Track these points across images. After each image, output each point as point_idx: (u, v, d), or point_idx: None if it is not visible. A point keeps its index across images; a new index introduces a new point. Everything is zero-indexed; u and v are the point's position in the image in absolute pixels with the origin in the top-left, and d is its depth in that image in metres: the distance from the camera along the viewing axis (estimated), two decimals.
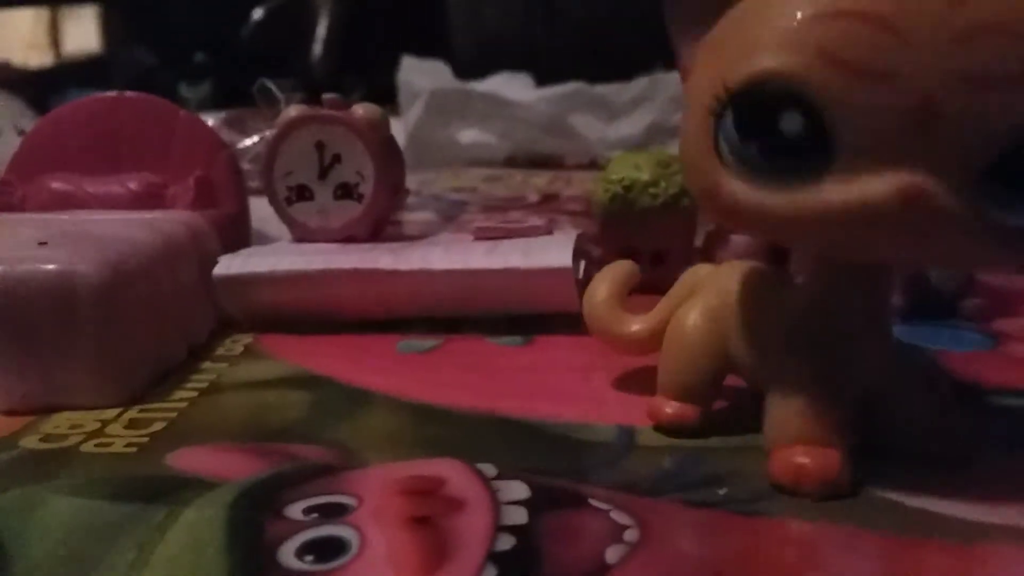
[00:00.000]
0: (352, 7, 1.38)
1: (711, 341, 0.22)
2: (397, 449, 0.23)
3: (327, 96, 0.36)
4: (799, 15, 0.16)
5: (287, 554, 0.18)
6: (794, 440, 0.20)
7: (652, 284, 0.36)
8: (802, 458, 0.19)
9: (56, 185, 0.36)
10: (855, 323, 0.20)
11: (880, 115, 0.16)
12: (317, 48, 1.37)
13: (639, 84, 0.78)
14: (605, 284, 0.26)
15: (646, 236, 0.36)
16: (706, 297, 0.23)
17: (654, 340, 0.24)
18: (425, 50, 0.88)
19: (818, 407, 0.20)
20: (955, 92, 0.15)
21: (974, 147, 0.15)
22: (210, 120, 0.54)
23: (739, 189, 0.17)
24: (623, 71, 0.81)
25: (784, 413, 0.20)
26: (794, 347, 0.20)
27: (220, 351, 0.31)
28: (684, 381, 0.23)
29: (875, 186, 0.16)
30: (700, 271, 0.25)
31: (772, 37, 0.16)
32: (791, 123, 0.16)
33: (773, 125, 0.16)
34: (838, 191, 0.16)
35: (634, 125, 0.77)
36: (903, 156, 0.16)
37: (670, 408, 0.23)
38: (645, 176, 0.35)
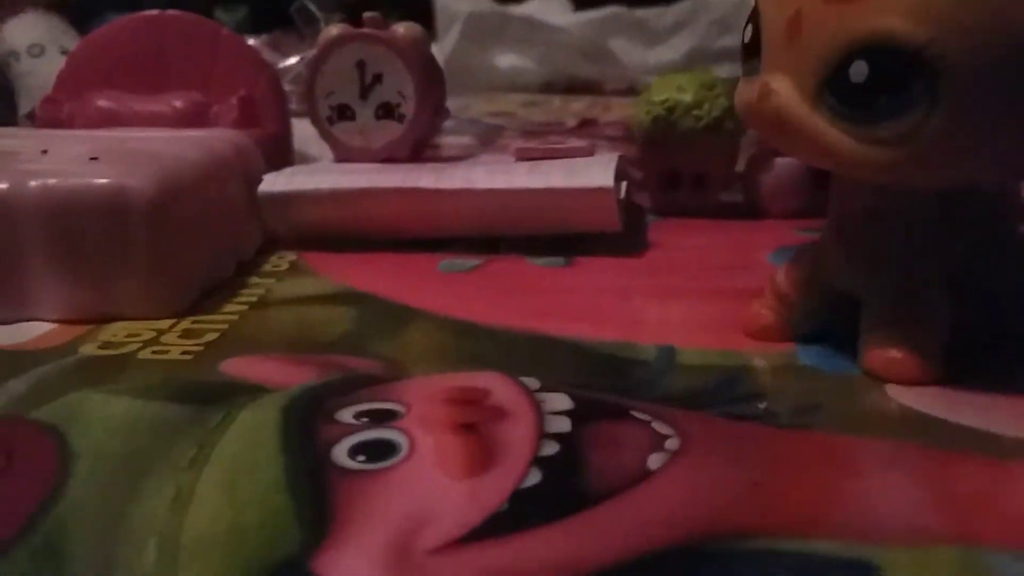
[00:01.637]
0: None
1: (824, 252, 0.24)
2: (441, 363, 0.23)
3: (368, 15, 0.36)
4: None
5: (340, 454, 0.18)
6: (889, 332, 0.21)
7: (694, 207, 0.36)
8: (895, 352, 0.21)
9: (102, 103, 0.36)
10: (948, 236, 0.22)
11: (773, 27, 0.19)
12: None
13: (680, 7, 0.76)
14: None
15: (688, 159, 0.36)
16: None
17: None
18: None
19: (913, 304, 0.21)
20: (815, 7, 0.18)
21: (819, 58, 0.18)
22: (250, 42, 0.54)
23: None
24: None
25: (881, 308, 0.22)
26: (896, 258, 0.22)
27: (267, 267, 0.31)
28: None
29: (754, 87, 0.20)
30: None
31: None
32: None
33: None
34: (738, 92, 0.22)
35: (675, 50, 0.76)
36: (779, 63, 0.20)
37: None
38: (688, 98, 0.35)
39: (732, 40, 0.73)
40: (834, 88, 0.18)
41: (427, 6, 0.81)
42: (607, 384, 0.22)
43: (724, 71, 0.72)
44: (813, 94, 0.19)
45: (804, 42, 0.19)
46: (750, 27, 0.20)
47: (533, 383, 0.22)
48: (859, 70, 0.18)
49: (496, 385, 0.22)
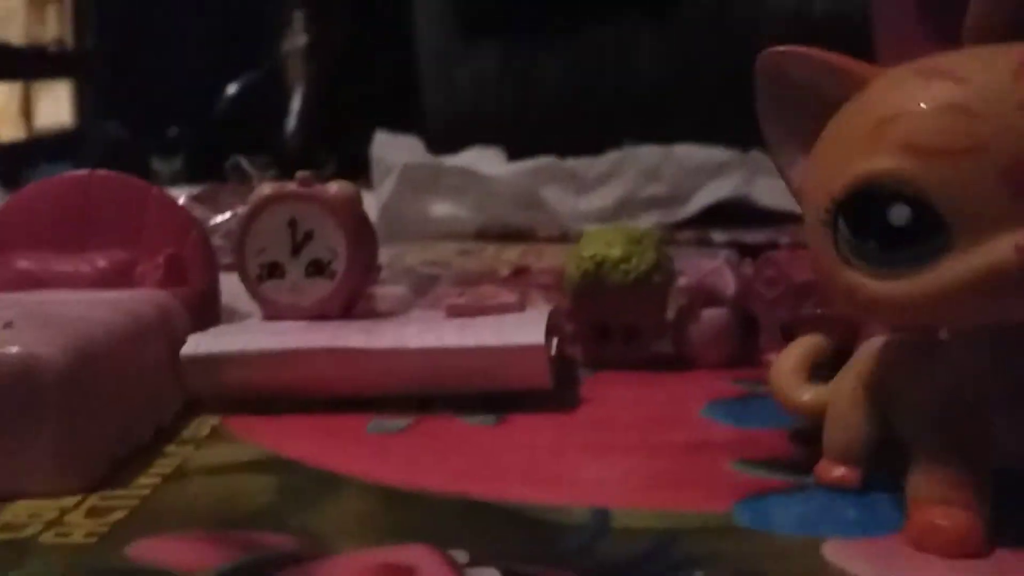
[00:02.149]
0: (326, 82, 1.40)
1: (868, 408, 0.23)
2: (367, 535, 0.22)
3: (300, 174, 0.37)
4: (879, 121, 0.18)
5: None
6: (936, 501, 0.20)
7: (625, 359, 0.36)
8: (941, 520, 0.20)
9: (22, 264, 0.35)
10: (1001, 390, 0.21)
11: (976, 187, 0.17)
12: (291, 123, 1.38)
13: (609, 158, 0.79)
14: (795, 353, 0.28)
15: (618, 312, 0.36)
16: (863, 367, 0.24)
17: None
18: (398, 123, 0.89)
19: (962, 473, 0.20)
20: None
21: None
22: (182, 195, 0.54)
23: (867, 284, 0.19)
24: (594, 145, 0.82)
25: (929, 475, 0.21)
26: (944, 418, 0.21)
27: (186, 434, 0.30)
28: (846, 444, 0.24)
29: (994, 252, 0.17)
30: (873, 344, 0.25)
31: (862, 145, 0.19)
32: (899, 215, 0.18)
33: (883, 221, 0.18)
34: (960, 266, 0.18)
35: (604, 198, 0.78)
36: (1010, 219, 0.17)
37: (836, 471, 0.24)
38: (617, 252, 0.35)
39: (657, 189, 0.76)
40: None
41: (364, 156, 0.83)
42: (539, 552, 0.21)
43: (651, 219, 0.74)
44: None
45: None
46: (903, 209, 0.18)
47: (462, 556, 0.21)
48: None
49: (423, 562, 0.21)
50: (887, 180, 0.18)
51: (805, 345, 0.29)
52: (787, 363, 0.28)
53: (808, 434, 0.26)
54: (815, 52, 0.21)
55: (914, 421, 0.22)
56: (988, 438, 0.21)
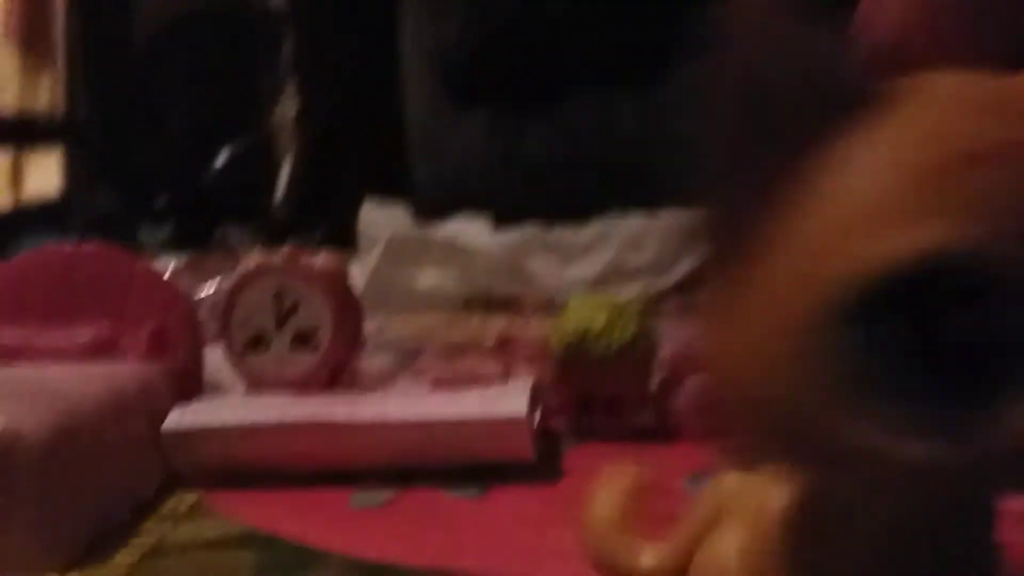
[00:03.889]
0: (315, 150, 1.42)
1: None
2: None
3: (286, 247, 0.37)
4: (933, 163, 0.11)
5: None
6: None
7: (608, 431, 0.36)
8: None
9: (5, 338, 0.35)
10: (953, 556, 0.14)
11: None
12: (279, 192, 1.39)
13: (593, 228, 0.80)
14: (607, 497, 0.21)
15: (601, 383, 0.36)
16: (740, 526, 0.17)
17: None
18: (387, 191, 0.90)
19: None
20: None
21: None
22: (170, 264, 0.55)
23: (876, 441, 0.11)
24: (580, 214, 0.83)
25: None
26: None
27: (165, 509, 0.30)
28: None
29: None
30: (726, 485, 0.18)
31: (901, 200, 0.11)
32: (968, 324, 0.10)
33: (931, 330, 0.10)
34: None
35: (590, 266, 0.79)
36: None
37: None
38: (599, 324, 0.36)
39: (642, 258, 0.77)
40: None
41: (353, 224, 0.83)
42: None
43: (636, 288, 0.74)
44: None
45: None
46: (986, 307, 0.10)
47: None
48: None
49: None
50: (964, 258, 0.10)
51: (623, 481, 0.21)
52: (602, 510, 0.20)
53: None
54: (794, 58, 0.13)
55: None
56: None
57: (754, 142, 0.13)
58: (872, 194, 0.11)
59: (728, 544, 0.17)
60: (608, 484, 0.21)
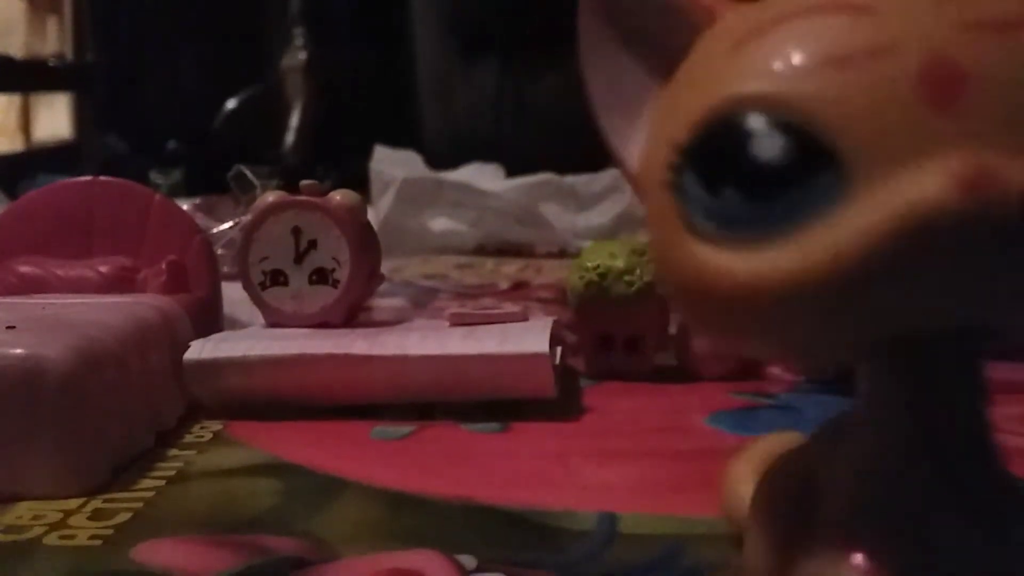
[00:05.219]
0: (325, 97, 1.41)
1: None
2: (372, 540, 0.22)
3: (305, 182, 0.37)
4: (742, 36, 0.13)
5: None
6: None
7: (627, 370, 0.36)
8: None
9: (25, 269, 0.35)
10: (936, 485, 0.14)
11: (883, 100, 0.11)
12: (289, 137, 1.38)
13: (608, 175, 0.79)
14: (754, 452, 0.21)
15: (621, 323, 0.36)
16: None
17: None
18: (397, 140, 0.90)
19: None
20: (967, 44, 0.11)
21: None
22: (183, 206, 0.54)
23: (722, 259, 0.12)
24: (592, 163, 0.82)
25: None
26: (857, 514, 0.14)
27: (189, 438, 0.30)
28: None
29: (917, 187, 0.11)
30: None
31: (716, 73, 0.13)
32: (770, 147, 0.12)
33: (747, 162, 0.12)
34: (867, 214, 0.11)
35: (603, 215, 0.78)
36: (933, 138, 0.11)
37: None
38: (620, 264, 0.35)
39: None
40: None
41: (363, 171, 0.83)
42: (546, 558, 0.21)
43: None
44: None
45: (982, 96, 0.11)
46: (777, 139, 0.12)
47: (469, 562, 0.21)
48: None
49: (430, 566, 0.20)
50: (754, 105, 0.12)
51: (774, 443, 0.21)
52: (746, 467, 0.21)
53: None
54: None
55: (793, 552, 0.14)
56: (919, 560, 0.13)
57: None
58: (700, 70, 0.13)
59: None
60: (759, 444, 0.22)
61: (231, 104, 1.41)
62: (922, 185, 0.11)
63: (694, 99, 0.13)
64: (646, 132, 0.15)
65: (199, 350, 0.32)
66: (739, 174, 0.12)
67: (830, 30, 0.12)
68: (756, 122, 0.12)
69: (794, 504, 0.15)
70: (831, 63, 0.12)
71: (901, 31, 0.12)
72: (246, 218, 0.38)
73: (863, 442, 0.14)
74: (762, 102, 0.12)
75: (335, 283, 0.36)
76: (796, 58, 0.12)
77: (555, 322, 0.34)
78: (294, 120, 1.39)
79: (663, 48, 0.15)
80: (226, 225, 0.52)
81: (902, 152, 0.11)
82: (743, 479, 0.20)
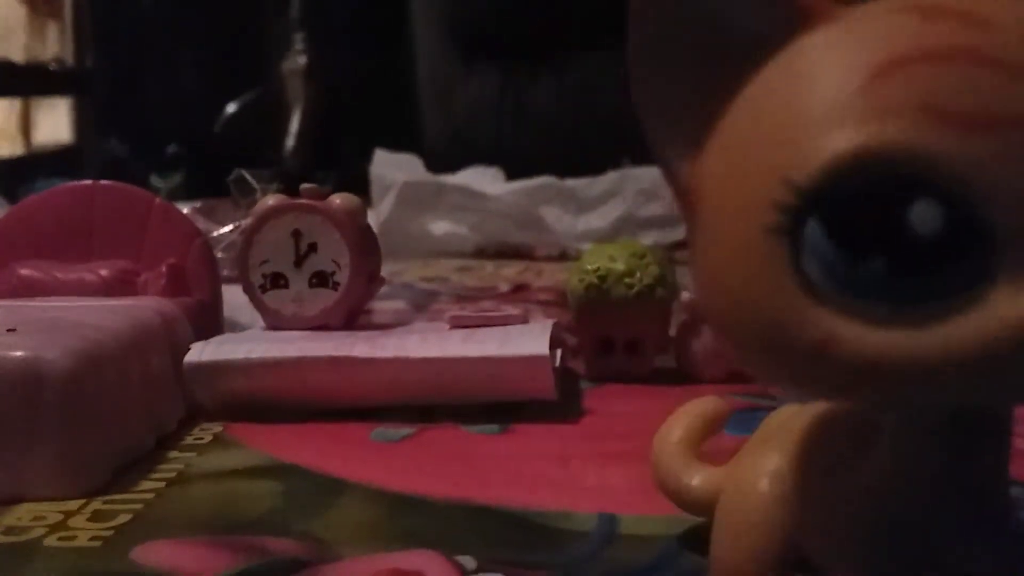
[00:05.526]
0: (325, 101, 1.41)
1: (776, 515, 0.16)
2: (372, 541, 0.22)
3: (305, 186, 0.37)
4: (876, 70, 0.11)
5: None
6: None
7: (627, 373, 0.36)
8: None
9: (25, 272, 0.35)
10: (953, 499, 0.14)
11: None
12: (290, 141, 1.39)
13: (608, 179, 0.80)
14: (682, 420, 0.21)
15: (621, 325, 0.36)
16: (774, 453, 0.17)
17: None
18: (397, 144, 0.90)
19: None
20: None
21: None
22: (184, 210, 0.54)
23: (855, 333, 0.11)
24: (592, 166, 0.82)
25: None
26: (872, 533, 0.14)
27: (188, 440, 0.30)
28: (749, 560, 0.16)
29: None
30: (780, 415, 0.19)
31: (842, 106, 0.11)
32: (927, 217, 0.10)
33: (892, 226, 0.11)
34: (1012, 306, 0.10)
35: (603, 218, 0.78)
36: None
37: None
38: (620, 266, 0.35)
39: (657, 209, 0.77)
40: None
41: (363, 175, 0.83)
42: (546, 559, 0.21)
43: (650, 238, 0.74)
44: None
45: None
46: (933, 206, 0.11)
47: (469, 563, 0.21)
48: None
49: (430, 567, 0.21)
50: (905, 157, 0.10)
51: (701, 408, 0.21)
52: (674, 432, 0.21)
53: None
54: None
55: (832, 534, 0.15)
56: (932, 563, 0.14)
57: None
58: (814, 95, 0.11)
59: (760, 466, 0.17)
60: (686, 410, 0.22)
61: (231, 108, 1.41)
62: None
63: (821, 132, 0.11)
64: (722, 154, 0.13)
65: (199, 353, 0.32)
66: (882, 239, 0.11)
67: (973, 84, 0.11)
68: (911, 181, 0.10)
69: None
70: (988, 126, 0.10)
71: None
72: (246, 221, 0.38)
73: (883, 469, 0.14)
74: (918, 159, 0.10)
75: (335, 286, 0.36)
76: (959, 112, 0.10)
77: (555, 324, 0.34)
78: (294, 124, 1.39)
79: (742, 45, 0.12)
80: (226, 228, 0.52)
81: None
82: (680, 456, 0.20)
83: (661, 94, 0.14)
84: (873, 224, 0.11)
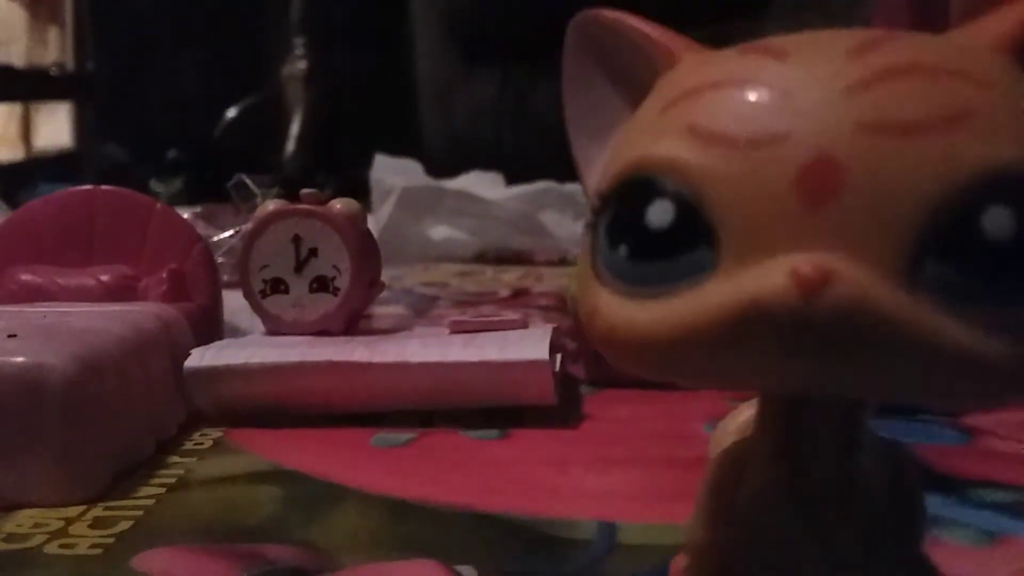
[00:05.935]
0: (325, 106, 1.41)
1: (697, 533, 0.17)
2: (372, 549, 0.22)
3: (305, 191, 0.37)
4: (672, 100, 0.13)
5: None
6: None
7: (627, 378, 0.36)
8: None
9: (26, 277, 0.35)
10: (796, 532, 0.14)
11: (762, 188, 0.12)
12: (290, 146, 1.39)
13: None
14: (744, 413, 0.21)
15: None
16: (746, 410, 0.18)
17: None
18: (397, 148, 0.90)
19: None
20: (857, 145, 0.11)
21: (895, 214, 0.11)
22: (184, 215, 0.54)
23: (609, 306, 0.13)
24: None
25: None
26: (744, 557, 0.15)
27: (189, 445, 0.30)
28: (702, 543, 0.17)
29: (761, 278, 0.11)
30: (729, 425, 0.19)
31: (646, 130, 0.14)
32: (659, 215, 0.13)
33: (642, 222, 0.13)
34: (721, 292, 0.12)
35: None
36: (793, 235, 0.12)
37: None
38: None
39: None
40: (946, 253, 0.11)
41: (363, 180, 0.83)
42: (548, 570, 0.21)
43: None
44: (904, 269, 0.11)
45: (854, 200, 0.11)
46: (666, 206, 0.13)
47: (470, 572, 0.21)
48: (998, 219, 0.11)
49: None
50: (656, 169, 0.13)
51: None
52: (729, 426, 0.20)
53: None
54: (626, 19, 0.15)
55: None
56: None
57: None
58: (638, 123, 0.14)
59: (729, 422, 0.18)
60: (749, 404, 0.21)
61: (232, 112, 1.41)
62: (767, 278, 0.11)
63: (623, 151, 0.14)
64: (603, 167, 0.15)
65: (200, 358, 0.32)
66: (631, 233, 0.13)
67: (740, 108, 0.12)
68: (654, 186, 0.13)
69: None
70: (727, 142, 0.12)
71: (800, 121, 0.12)
72: (247, 226, 0.38)
73: (756, 470, 0.15)
74: (663, 168, 0.13)
75: (335, 291, 0.36)
76: (700, 131, 0.13)
77: (555, 329, 0.34)
78: (294, 128, 1.39)
79: (637, 83, 0.15)
80: (227, 233, 0.52)
81: (767, 243, 0.12)
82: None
83: (581, 122, 0.17)
84: (632, 224, 0.13)
